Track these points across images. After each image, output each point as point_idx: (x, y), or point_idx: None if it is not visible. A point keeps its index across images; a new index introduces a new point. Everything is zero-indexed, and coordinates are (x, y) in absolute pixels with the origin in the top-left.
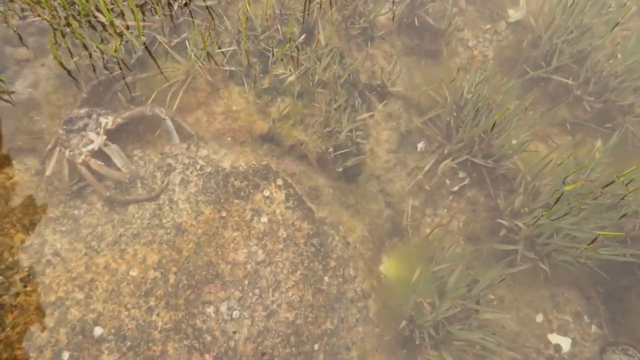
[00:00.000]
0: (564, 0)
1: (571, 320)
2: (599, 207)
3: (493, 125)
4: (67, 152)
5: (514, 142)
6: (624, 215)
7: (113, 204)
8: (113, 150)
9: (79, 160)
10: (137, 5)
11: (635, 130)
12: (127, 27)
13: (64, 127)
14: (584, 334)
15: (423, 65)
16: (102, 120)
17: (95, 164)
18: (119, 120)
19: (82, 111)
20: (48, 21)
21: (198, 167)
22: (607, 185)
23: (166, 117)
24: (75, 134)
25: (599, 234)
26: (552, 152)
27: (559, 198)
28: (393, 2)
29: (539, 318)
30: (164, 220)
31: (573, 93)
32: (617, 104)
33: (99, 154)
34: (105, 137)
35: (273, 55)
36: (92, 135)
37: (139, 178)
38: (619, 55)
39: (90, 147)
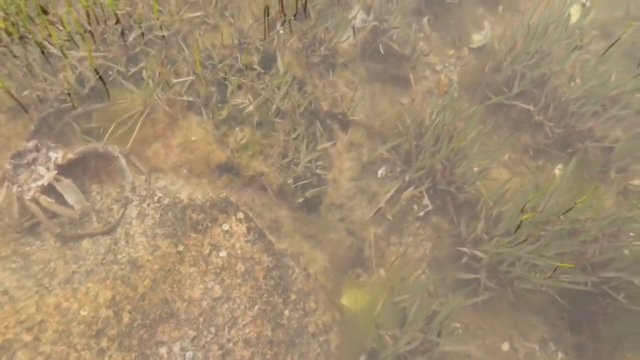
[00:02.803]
0: (525, 25)
1: (537, 348)
2: (558, 233)
3: (451, 151)
4: (15, 188)
5: (476, 169)
6: (583, 242)
7: (66, 239)
8: (64, 186)
9: (28, 196)
10: (89, 32)
11: (595, 155)
12: (81, 58)
13: (12, 161)
14: None
15: (390, 90)
16: (52, 154)
17: (45, 200)
18: (70, 155)
19: (30, 144)
20: None
21: (155, 199)
22: (566, 212)
23: (119, 155)
24: (24, 169)
25: (558, 265)
26: (512, 178)
27: (518, 226)
28: (353, 28)
29: (505, 347)
30: (119, 256)
31: (534, 118)
32: (577, 129)
33: (50, 189)
34: (55, 172)
35: (231, 84)
36: (41, 170)
37: (95, 211)
38: (578, 80)
39: (39, 183)
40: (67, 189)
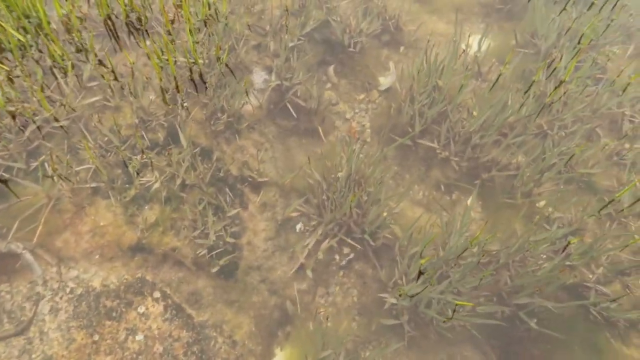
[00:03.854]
0: (419, 64)
1: None
2: (469, 266)
3: (355, 199)
4: None
5: (385, 214)
6: (482, 278)
7: None
8: None
9: None
10: None
11: (501, 183)
12: None
13: None
14: None
15: (305, 144)
16: None
17: None
18: None
19: None
20: None
21: (68, 290)
22: (462, 252)
23: (23, 251)
24: None
25: (457, 304)
26: (421, 216)
27: (419, 272)
28: (247, 92)
29: None
30: (33, 355)
31: (440, 155)
32: (481, 160)
33: None
34: None
35: (132, 167)
36: None
37: (5, 312)
38: (475, 113)
39: None
40: None
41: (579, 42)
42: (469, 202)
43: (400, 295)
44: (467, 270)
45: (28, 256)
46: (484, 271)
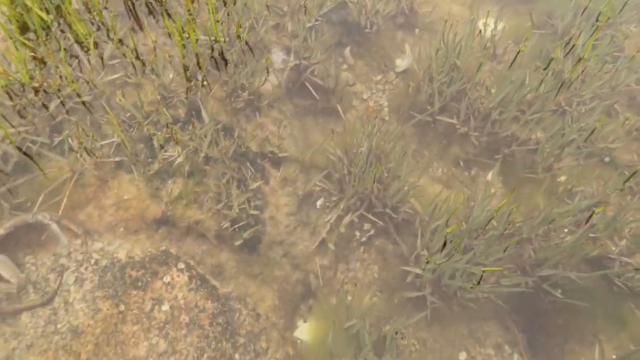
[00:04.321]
0: (437, 45)
1: (493, 353)
2: (491, 240)
3: (377, 173)
4: None
5: (406, 188)
6: (506, 247)
7: (4, 316)
8: None
9: None
10: (15, 108)
11: (522, 158)
12: (3, 137)
13: None
14: None
15: (321, 122)
16: None
17: None
18: (0, 231)
19: None
20: None
21: (93, 262)
22: (487, 223)
23: (50, 222)
24: None
25: (484, 271)
26: (442, 191)
27: (445, 241)
28: (268, 70)
29: (462, 356)
30: (59, 325)
31: (460, 131)
32: (501, 136)
33: None
34: None
35: (157, 139)
36: None
37: (31, 283)
38: (493, 90)
39: None
40: (2, 264)
41: (597, 20)
42: (488, 176)
43: (427, 262)
44: (491, 242)
45: (55, 227)
46: (507, 242)
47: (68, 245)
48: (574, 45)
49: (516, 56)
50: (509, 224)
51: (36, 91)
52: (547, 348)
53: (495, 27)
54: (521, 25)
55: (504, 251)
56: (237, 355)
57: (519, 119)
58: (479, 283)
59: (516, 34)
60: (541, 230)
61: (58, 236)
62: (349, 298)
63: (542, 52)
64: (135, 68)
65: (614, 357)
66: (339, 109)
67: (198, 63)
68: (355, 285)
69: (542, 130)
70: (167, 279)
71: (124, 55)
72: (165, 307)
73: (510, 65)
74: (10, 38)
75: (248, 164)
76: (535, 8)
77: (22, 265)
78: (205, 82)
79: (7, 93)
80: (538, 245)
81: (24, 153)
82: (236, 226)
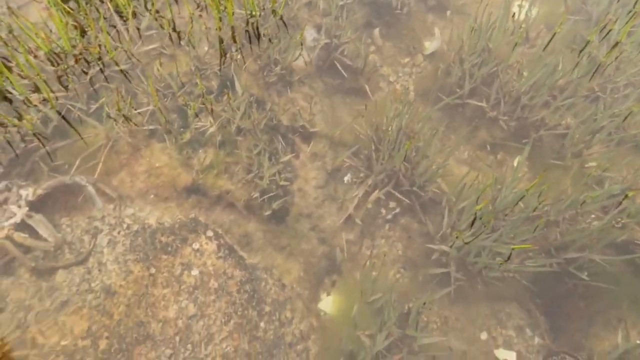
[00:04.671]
0: (470, 27)
1: (514, 335)
2: (518, 221)
3: (408, 152)
4: None
5: (434, 167)
6: (536, 227)
7: (41, 272)
8: (37, 221)
9: (2, 235)
10: (56, 73)
11: (551, 143)
12: (43, 100)
13: None
14: (528, 346)
15: (348, 102)
16: (23, 192)
17: (19, 236)
18: (39, 191)
19: (1, 185)
20: None
21: (125, 226)
22: (517, 202)
23: (87, 184)
24: None
25: (513, 248)
26: (469, 173)
27: (474, 218)
28: (302, 46)
29: (484, 335)
30: (93, 284)
31: (488, 114)
32: (530, 120)
33: (23, 226)
34: (27, 208)
35: (191, 109)
36: (13, 208)
37: (67, 244)
38: (525, 74)
39: (12, 221)
40: (40, 223)
41: (633, 6)
42: (515, 162)
43: (457, 238)
44: (518, 223)
45: (91, 189)
46: (535, 223)
47: (102, 209)
48: (610, 31)
49: (552, 38)
50: (539, 204)
51: (76, 59)
52: (569, 332)
53: (530, 9)
54: (554, 11)
55: (534, 231)
56: (262, 324)
57: (550, 105)
58: (508, 259)
59: (549, 19)
60: (568, 214)
61: (94, 199)
62: (374, 273)
63: (575, 38)
64: (172, 39)
65: (638, 342)
66: (367, 89)
67: (233, 36)
68: (384, 256)
69: (572, 116)
70: (196, 245)
71: (160, 26)
72: (195, 272)
73: (545, 48)
74: (54, 5)
75: (279, 137)
76: None
77: (58, 226)
78: (239, 55)
79: (49, 59)
80: (565, 228)
81: (63, 118)
82: (265, 197)
